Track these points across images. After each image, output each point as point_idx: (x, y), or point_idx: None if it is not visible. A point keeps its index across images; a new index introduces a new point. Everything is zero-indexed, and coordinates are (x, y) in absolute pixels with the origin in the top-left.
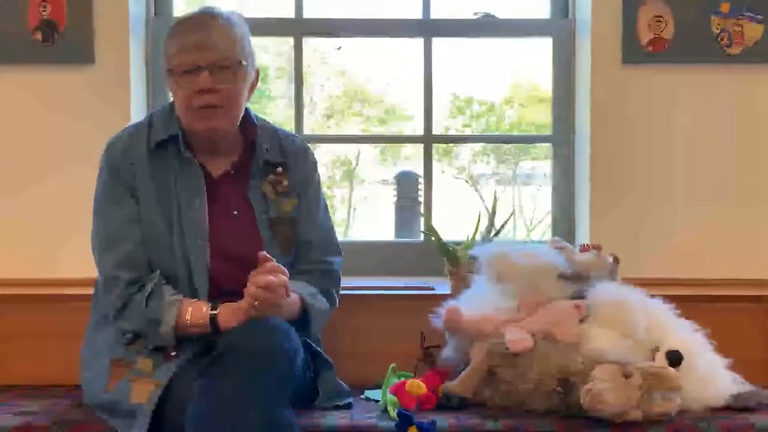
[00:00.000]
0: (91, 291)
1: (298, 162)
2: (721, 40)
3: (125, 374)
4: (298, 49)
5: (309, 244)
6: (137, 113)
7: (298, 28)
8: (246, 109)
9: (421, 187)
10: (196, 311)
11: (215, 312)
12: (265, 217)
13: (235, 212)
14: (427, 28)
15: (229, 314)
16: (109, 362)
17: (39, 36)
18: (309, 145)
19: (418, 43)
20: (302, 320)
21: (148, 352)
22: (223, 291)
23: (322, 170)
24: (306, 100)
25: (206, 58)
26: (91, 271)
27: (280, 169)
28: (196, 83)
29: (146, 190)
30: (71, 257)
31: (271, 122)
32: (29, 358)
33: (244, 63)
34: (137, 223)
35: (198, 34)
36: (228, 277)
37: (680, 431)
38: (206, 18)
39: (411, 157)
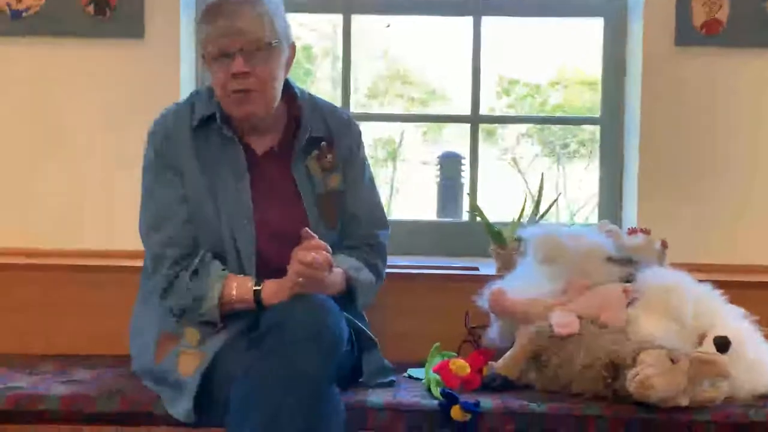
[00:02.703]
0: (140, 263)
1: (342, 135)
2: None
3: (173, 346)
4: (346, 26)
5: (356, 218)
6: (186, 88)
7: (348, 5)
8: (289, 83)
9: (464, 168)
10: (241, 287)
11: (259, 288)
12: (311, 193)
13: (280, 190)
14: (477, 7)
15: (273, 290)
16: (158, 334)
17: (91, 10)
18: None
19: (466, 21)
20: (348, 295)
21: (197, 324)
22: (270, 268)
23: (365, 150)
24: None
25: (237, 42)
26: (141, 244)
27: (324, 144)
28: (230, 68)
29: (191, 170)
30: (120, 230)
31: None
32: (78, 328)
33: (275, 43)
34: (184, 203)
35: (226, 19)
36: (275, 255)
37: (729, 418)
38: (233, 1)
39: (453, 139)
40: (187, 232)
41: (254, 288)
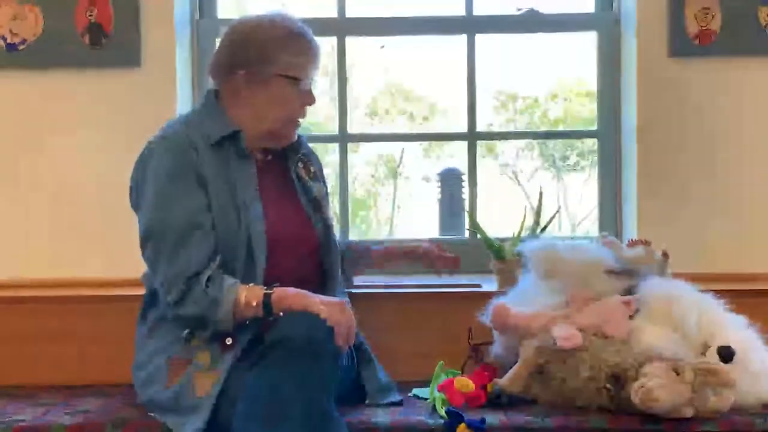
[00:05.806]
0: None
1: (311, 153)
2: None
3: (186, 370)
4: (341, 48)
5: (331, 228)
6: None
7: (342, 27)
8: None
9: (464, 184)
10: (251, 292)
11: (270, 291)
12: (306, 197)
13: (284, 195)
14: (470, 25)
15: (284, 293)
16: (166, 361)
17: (87, 40)
18: (354, 143)
19: (461, 40)
20: None
21: (206, 345)
22: (278, 270)
23: (366, 168)
24: (349, 99)
25: (316, 75)
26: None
27: (304, 156)
28: (310, 98)
29: (214, 180)
30: (121, 257)
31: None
32: (83, 358)
33: None
34: (209, 212)
35: (316, 51)
36: (282, 257)
37: (736, 427)
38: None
39: (455, 155)
40: (213, 241)
41: (265, 291)
